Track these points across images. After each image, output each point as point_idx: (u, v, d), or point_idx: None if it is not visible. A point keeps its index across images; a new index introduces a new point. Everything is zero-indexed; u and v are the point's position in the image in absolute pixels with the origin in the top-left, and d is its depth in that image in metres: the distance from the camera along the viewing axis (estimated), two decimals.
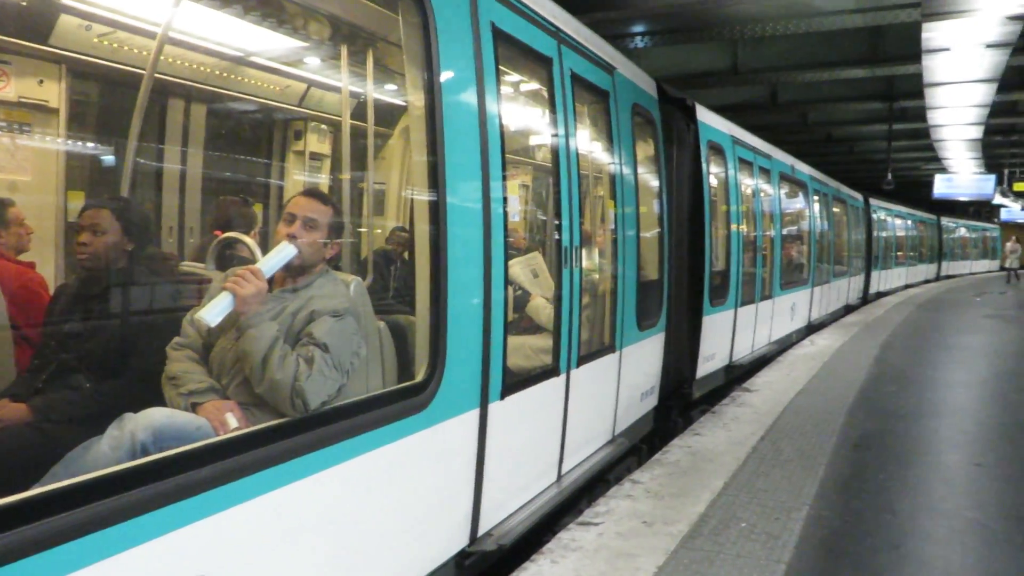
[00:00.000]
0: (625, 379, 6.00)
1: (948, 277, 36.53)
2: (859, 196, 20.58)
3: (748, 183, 10.50)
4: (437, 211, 3.43)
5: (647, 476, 5.69)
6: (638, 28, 12.85)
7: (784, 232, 12.57)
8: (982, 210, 44.42)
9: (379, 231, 6.50)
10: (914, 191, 32.95)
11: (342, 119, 5.38)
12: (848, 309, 18.90)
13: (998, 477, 6.00)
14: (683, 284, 7.79)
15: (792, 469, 5.89)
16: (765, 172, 11.34)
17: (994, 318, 18.26)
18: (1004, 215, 39.17)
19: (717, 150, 8.98)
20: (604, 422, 5.78)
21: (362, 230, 6.09)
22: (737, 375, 9.83)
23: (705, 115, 8.62)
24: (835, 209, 17.08)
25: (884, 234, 24.02)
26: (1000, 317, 18.47)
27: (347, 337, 3.02)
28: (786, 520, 4.83)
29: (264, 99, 5.96)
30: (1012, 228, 42.53)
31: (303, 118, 6.38)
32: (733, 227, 9.43)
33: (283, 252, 2.97)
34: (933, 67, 11.02)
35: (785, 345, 12.54)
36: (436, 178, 3.43)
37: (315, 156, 6.56)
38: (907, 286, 28.10)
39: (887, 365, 10.97)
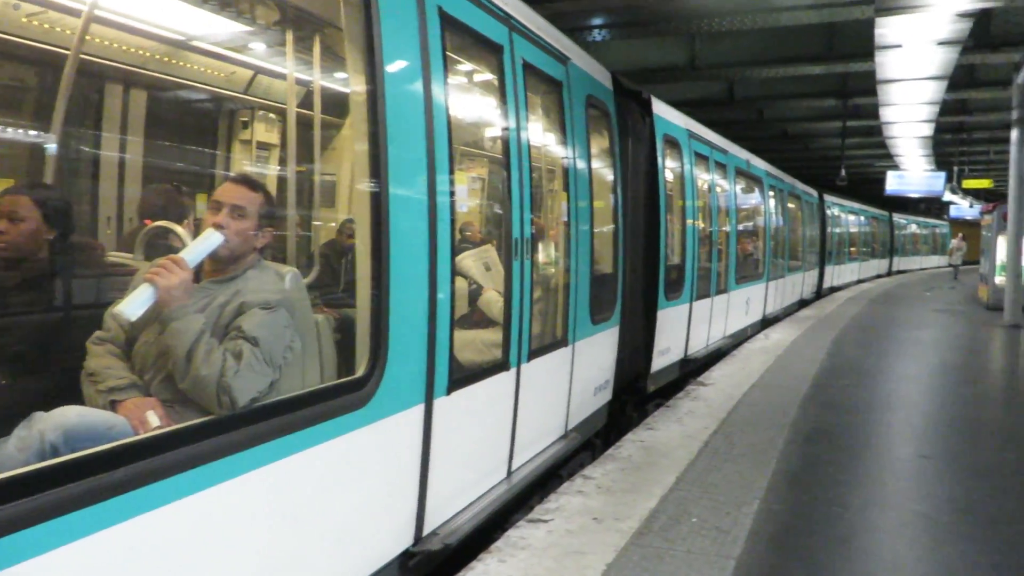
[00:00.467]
0: (578, 373, 5.93)
1: (900, 272, 37.30)
2: (814, 192, 20.85)
3: (704, 177, 10.51)
4: (379, 202, 3.30)
5: (599, 472, 5.62)
6: (597, 21, 12.80)
7: (739, 227, 12.59)
8: (932, 207, 45.36)
9: (333, 224, 6.33)
10: (867, 188, 33.59)
11: (287, 107, 5.20)
12: (803, 303, 19.12)
13: (944, 469, 6.06)
14: (638, 278, 7.72)
15: (744, 463, 5.87)
16: (721, 167, 11.35)
17: (943, 312, 18.63)
18: (953, 212, 40.01)
19: (673, 144, 8.94)
20: (556, 417, 5.70)
21: (317, 223, 5.92)
22: (693, 369, 9.83)
23: (661, 109, 8.58)
24: (790, 205, 17.27)
25: (838, 230, 24.41)
26: (949, 312, 18.85)
27: (279, 330, 2.88)
28: (737, 515, 4.79)
29: (208, 86, 5.74)
30: (961, 225, 43.53)
31: (250, 107, 6.18)
32: (689, 221, 9.40)
33: (208, 241, 2.81)
34: (886, 64, 11.14)
35: (741, 339, 12.60)
36: (378, 168, 3.30)
37: (263, 146, 6.36)
38: (860, 281, 28.62)
39: (840, 359, 11.09)
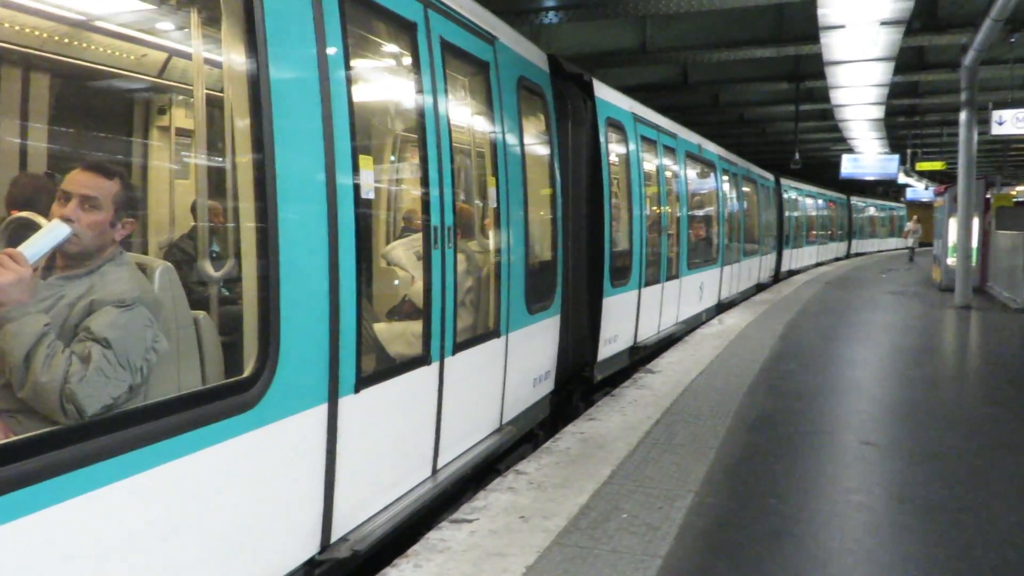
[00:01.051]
0: (513, 365, 5.72)
1: (858, 255, 37.67)
2: (770, 176, 20.84)
3: (651, 162, 10.31)
4: (264, 185, 3.05)
5: (533, 466, 5.43)
6: (548, 3, 12.59)
7: (691, 212, 12.43)
8: (890, 190, 45.95)
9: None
10: (823, 172, 33.81)
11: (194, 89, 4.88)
12: (759, 287, 19.12)
13: (887, 456, 5.96)
14: (582, 265, 7.50)
15: (683, 454, 5.72)
16: (670, 151, 11.17)
17: (898, 294, 18.76)
18: (910, 194, 40.54)
19: (617, 127, 8.71)
20: (489, 411, 5.50)
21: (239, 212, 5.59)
22: (643, 356, 9.68)
23: (604, 91, 8.37)
24: (745, 189, 17.19)
25: (795, 213, 24.45)
26: (903, 293, 18.99)
27: (137, 330, 2.63)
28: (668, 509, 4.63)
29: (111, 67, 5.38)
30: (917, 207, 44.12)
31: (163, 90, 5.84)
32: (636, 207, 9.19)
33: (52, 234, 2.54)
34: (831, 45, 11.07)
35: (694, 325, 12.49)
36: (263, 150, 3.04)
37: (180, 132, 6.03)
38: (818, 264, 28.74)
39: (791, 343, 11.03)
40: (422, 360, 4.40)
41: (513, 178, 5.71)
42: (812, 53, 14.35)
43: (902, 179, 28.39)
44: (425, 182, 4.45)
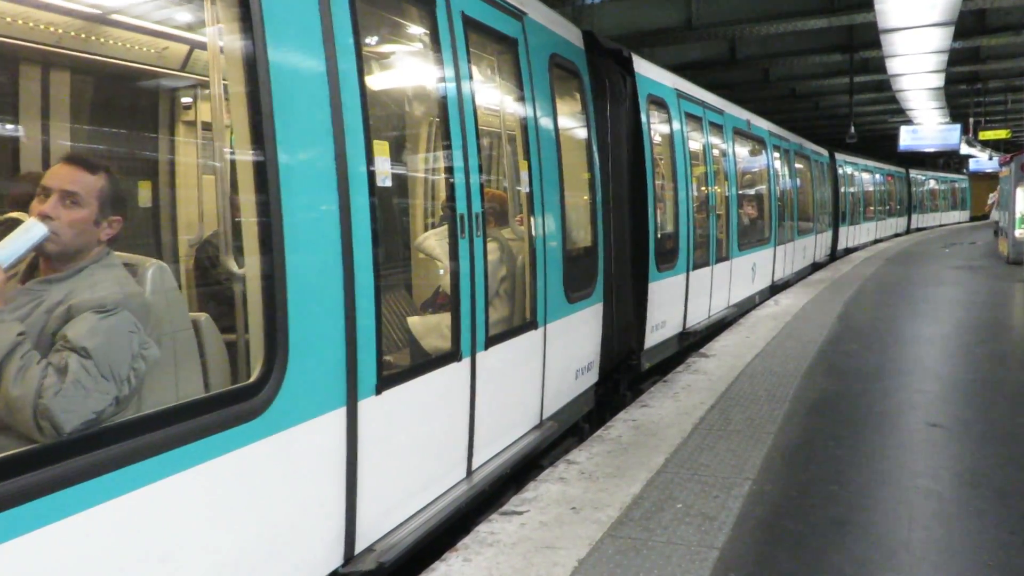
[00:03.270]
0: (552, 358, 5.49)
1: (919, 230, 36.47)
2: (824, 151, 20.22)
3: (697, 139, 9.95)
4: (265, 173, 2.87)
5: (584, 455, 5.32)
6: None
7: (741, 190, 12.04)
8: (951, 161, 44.35)
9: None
10: (881, 145, 32.79)
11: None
12: (815, 267, 18.54)
13: (955, 439, 5.70)
14: (626, 250, 7.17)
15: (739, 440, 5.55)
16: (717, 127, 10.78)
17: (962, 269, 18.11)
18: (973, 165, 39.06)
19: (659, 104, 8.42)
20: (528, 407, 5.31)
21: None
22: (693, 342, 9.41)
23: (644, 67, 8.10)
24: (798, 165, 16.67)
25: (852, 189, 23.69)
26: (968, 268, 18.32)
27: (120, 337, 2.45)
28: (725, 498, 4.48)
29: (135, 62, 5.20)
30: (981, 178, 42.51)
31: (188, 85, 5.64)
32: (681, 187, 8.84)
33: (29, 233, 2.39)
34: (887, 11, 10.62)
35: (747, 307, 12.12)
36: (263, 139, 2.86)
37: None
38: (877, 241, 27.88)
39: (851, 322, 10.70)
40: (452, 356, 4.20)
41: (547, 161, 5.48)
42: (866, 21, 13.83)
43: (964, 149, 27.33)
44: (450, 168, 4.27)
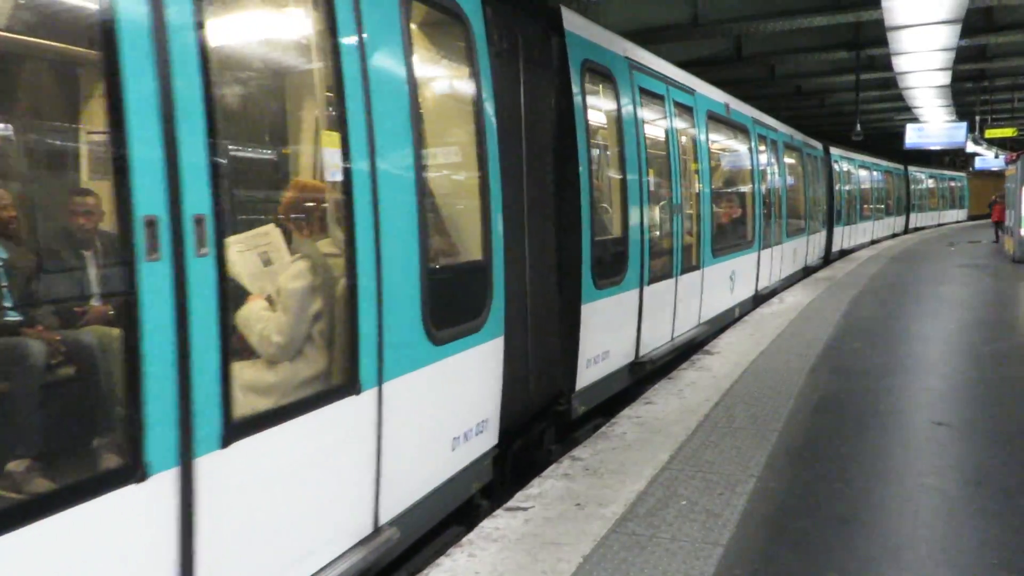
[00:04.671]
0: (398, 431, 3.72)
1: (916, 230, 35.85)
2: (818, 144, 19.07)
3: (659, 123, 8.06)
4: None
5: (588, 452, 5.33)
6: None
7: (716, 187, 10.38)
8: (957, 159, 44.19)
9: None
10: (887, 143, 32.64)
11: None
12: (807, 272, 16.99)
13: (960, 438, 5.70)
14: (547, 262, 5.70)
15: (744, 438, 5.55)
16: (685, 109, 8.86)
17: (966, 267, 18.07)
18: (979, 164, 38.92)
19: (602, 75, 6.62)
20: (348, 514, 3.50)
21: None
22: (648, 373, 7.50)
23: (579, 25, 6.26)
24: (788, 159, 15.18)
25: (847, 187, 22.74)
26: (973, 266, 18.28)
27: None
28: (730, 495, 4.49)
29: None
30: (987, 177, 42.33)
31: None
32: (633, 181, 6.97)
33: None
34: (894, 8, 10.56)
35: (726, 322, 10.50)
36: None
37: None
38: (873, 242, 27.00)
39: (856, 320, 10.68)
40: (125, 475, 2.45)
41: (385, 143, 3.66)
42: (873, 19, 13.78)
43: (970, 148, 27.20)
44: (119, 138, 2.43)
